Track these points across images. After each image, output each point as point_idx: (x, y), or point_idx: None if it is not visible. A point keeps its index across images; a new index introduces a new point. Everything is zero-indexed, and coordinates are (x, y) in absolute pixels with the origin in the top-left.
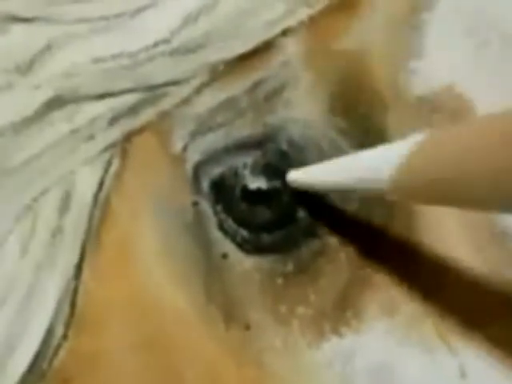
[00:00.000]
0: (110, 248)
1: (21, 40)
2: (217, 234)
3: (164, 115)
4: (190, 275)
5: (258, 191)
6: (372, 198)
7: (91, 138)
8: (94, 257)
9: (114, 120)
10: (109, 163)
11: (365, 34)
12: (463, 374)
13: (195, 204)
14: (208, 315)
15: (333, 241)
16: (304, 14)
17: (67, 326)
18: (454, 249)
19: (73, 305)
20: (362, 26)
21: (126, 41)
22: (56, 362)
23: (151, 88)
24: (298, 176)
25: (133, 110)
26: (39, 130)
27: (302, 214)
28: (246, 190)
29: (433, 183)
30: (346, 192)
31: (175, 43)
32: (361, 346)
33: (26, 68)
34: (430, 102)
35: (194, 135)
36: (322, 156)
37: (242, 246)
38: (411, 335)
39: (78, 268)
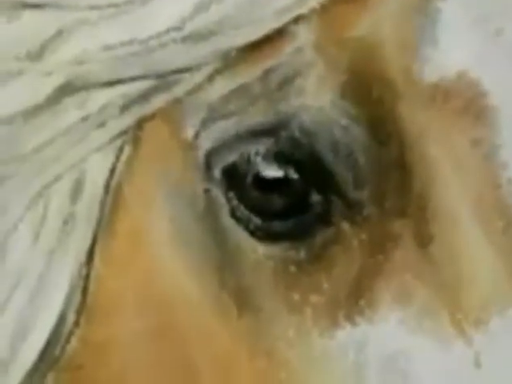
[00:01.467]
0: (121, 235)
1: (31, 26)
2: (229, 222)
3: (176, 102)
4: (202, 263)
5: (271, 178)
6: None
7: (102, 124)
8: (106, 244)
9: (125, 107)
10: (120, 150)
11: (377, 21)
12: (478, 363)
13: (207, 191)
14: (221, 303)
15: (345, 228)
16: (315, 1)
17: (79, 313)
18: (467, 237)
19: (85, 292)
20: (374, 13)
21: (136, 28)
22: (68, 349)
23: (163, 75)
24: None
25: (144, 97)
26: (50, 116)
27: (314, 201)
28: (258, 178)
29: None
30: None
31: (187, 30)
32: (374, 334)
33: (37, 55)
34: (443, 89)
35: (206, 122)
36: (335, 143)
37: (255, 233)
38: (425, 324)
39: (90, 254)
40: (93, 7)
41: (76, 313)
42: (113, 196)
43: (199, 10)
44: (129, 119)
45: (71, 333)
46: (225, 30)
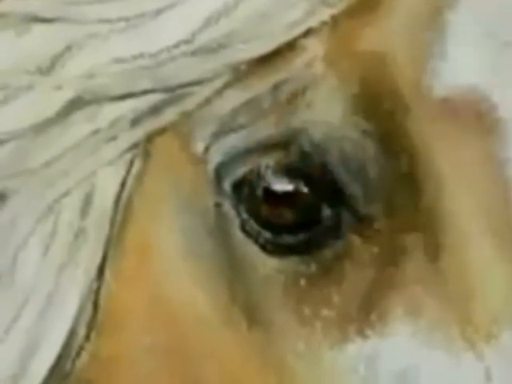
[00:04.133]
0: (132, 249)
1: (41, 41)
2: (239, 235)
3: (186, 116)
4: (212, 276)
5: (281, 192)
6: None
7: (113, 138)
8: (116, 258)
9: (135, 121)
10: (131, 164)
11: (387, 34)
12: (489, 377)
13: (217, 205)
14: (231, 317)
15: (356, 242)
16: (326, 14)
17: (90, 327)
18: (476, 251)
19: (95, 306)
20: (384, 26)
21: (146, 41)
22: (79, 364)
23: (173, 88)
24: None
25: (154, 110)
26: (61, 130)
27: (325, 215)
28: (268, 191)
29: None
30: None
31: (197, 44)
32: (385, 348)
33: (47, 69)
34: (452, 102)
35: (216, 136)
36: (344, 157)
37: (265, 247)
38: (436, 338)
39: (101, 269)
40: (103, 21)
41: (86, 327)
42: (123, 210)
43: (209, 23)
44: (139, 133)
45: (81, 347)
46: (234, 44)
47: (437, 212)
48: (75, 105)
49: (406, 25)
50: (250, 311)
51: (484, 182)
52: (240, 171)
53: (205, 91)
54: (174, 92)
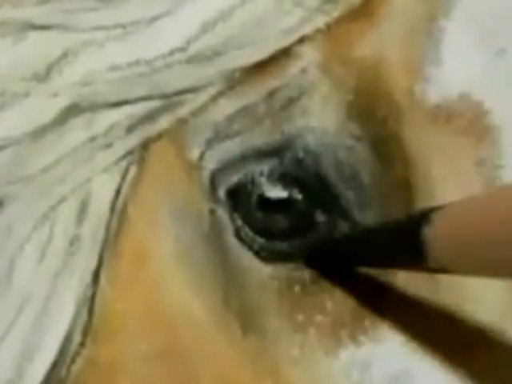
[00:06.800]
0: (127, 256)
1: (38, 48)
2: (234, 242)
3: (181, 123)
4: (207, 283)
5: (275, 199)
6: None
7: (109, 145)
8: (111, 264)
9: (131, 128)
10: (126, 171)
11: (382, 41)
12: None
13: (212, 212)
14: (225, 323)
15: None
16: (321, 21)
17: (85, 333)
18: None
19: (90, 312)
20: (378, 33)
21: (142, 48)
22: (74, 370)
23: (168, 96)
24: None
25: (150, 117)
26: (57, 137)
27: (319, 221)
28: (262, 198)
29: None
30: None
31: (192, 51)
32: (379, 354)
33: (43, 76)
34: (446, 109)
35: (211, 143)
36: (339, 163)
37: (259, 253)
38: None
39: (96, 275)
40: (99, 28)
41: (82, 333)
42: (118, 216)
43: (204, 30)
44: (135, 140)
45: (77, 353)
46: (229, 51)
47: None
48: (71, 112)
49: (400, 32)
50: (244, 317)
51: (476, 187)
52: (234, 178)
53: (200, 98)
54: (170, 99)
